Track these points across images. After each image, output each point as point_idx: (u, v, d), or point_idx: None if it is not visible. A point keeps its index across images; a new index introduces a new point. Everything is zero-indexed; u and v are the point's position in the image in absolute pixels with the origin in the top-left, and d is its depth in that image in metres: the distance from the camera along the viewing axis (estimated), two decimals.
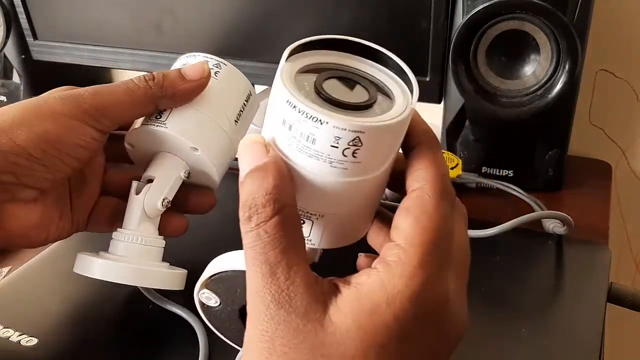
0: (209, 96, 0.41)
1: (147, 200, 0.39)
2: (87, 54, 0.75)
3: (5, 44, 0.83)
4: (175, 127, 0.39)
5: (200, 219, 0.45)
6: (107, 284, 0.44)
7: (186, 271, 0.41)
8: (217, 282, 0.32)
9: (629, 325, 0.83)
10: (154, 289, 0.43)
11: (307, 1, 0.59)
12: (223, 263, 0.32)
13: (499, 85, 0.56)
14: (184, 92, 0.39)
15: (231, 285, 0.32)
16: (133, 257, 0.39)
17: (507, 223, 0.47)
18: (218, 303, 0.33)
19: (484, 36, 0.54)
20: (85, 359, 0.40)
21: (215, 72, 0.42)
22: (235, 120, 0.42)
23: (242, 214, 0.24)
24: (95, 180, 0.43)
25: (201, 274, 0.33)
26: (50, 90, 0.40)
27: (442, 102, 0.60)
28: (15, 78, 0.88)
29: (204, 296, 0.34)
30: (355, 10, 0.57)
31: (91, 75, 0.96)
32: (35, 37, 0.78)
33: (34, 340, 0.40)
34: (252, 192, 0.24)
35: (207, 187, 0.43)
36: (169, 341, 0.40)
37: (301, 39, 0.29)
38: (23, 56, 0.85)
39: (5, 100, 0.90)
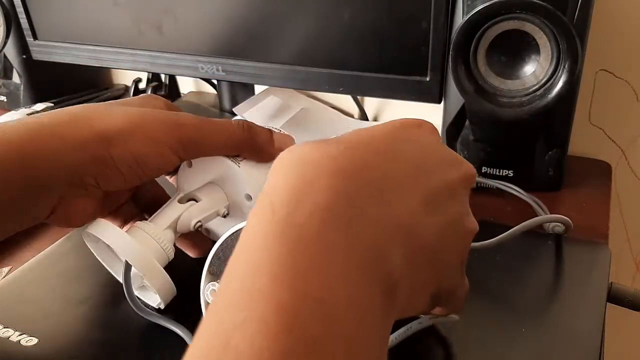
0: None
1: (186, 214, 0.41)
2: (87, 54, 0.75)
3: (5, 44, 0.83)
4: (246, 170, 0.42)
5: None
6: (109, 283, 0.44)
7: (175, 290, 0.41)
8: (220, 259, 0.33)
9: (629, 325, 0.83)
10: (144, 304, 0.43)
11: (307, 1, 0.59)
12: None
13: (499, 85, 0.56)
14: (268, 156, 0.42)
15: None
16: (145, 247, 0.39)
17: (509, 231, 0.47)
18: None
19: (484, 36, 0.54)
20: (85, 359, 0.40)
21: None
22: None
23: None
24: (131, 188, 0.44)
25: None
26: (135, 100, 0.42)
27: (442, 102, 0.60)
28: (15, 78, 0.88)
29: (212, 289, 0.33)
30: (355, 10, 0.57)
31: (91, 75, 0.96)
32: (35, 37, 0.78)
33: (34, 340, 0.40)
34: None
35: None
36: (169, 341, 0.40)
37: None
38: (23, 56, 0.85)
39: (5, 100, 0.90)
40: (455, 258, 0.30)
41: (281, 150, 0.41)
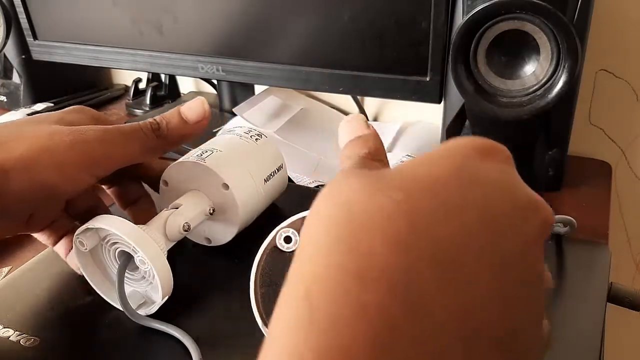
0: (247, 152, 0.46)
1: (172, 218, 0.41)
2: (87, 54, 0.75)
3: (5, 44, 0.84)
4: (212, 164, 0.43)
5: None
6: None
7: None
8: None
9: (629, 325, 0.83)
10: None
11: (307, 1, 0.59)
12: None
13: (499, 85, 0.56)
14: (189, 137, 0.41)
15: None
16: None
17: None
18: (297, 245, 0.33)
19: (484, 36, 0.54)
20: (85, 359, 0.40)
21: (256, 139, 0.48)
22: (265, 180, 0.47)
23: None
24: (62, 199, 0.41)
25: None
26: (54, 116, 0.39)
27: (442, 102, 0.60)
28: (15, 78, 0.88)
29: (283, 237, 0.33)
30: (356, 10, 0.57)
31: (91, 75, 0.96)
32: (35, 37, 0.78)
33: (34, 340, 0.40)
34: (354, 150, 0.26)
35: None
36: (169, 340, 0.40)
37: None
38: (23, 56, 0.85)
39: (5, 100, 0.91)
40: (530, 326, 0.22)
41: (198, 120, 0.41)
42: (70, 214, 0.44)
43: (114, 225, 0.37)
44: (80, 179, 0.37)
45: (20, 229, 0.39)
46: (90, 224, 0.38)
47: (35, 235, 0.43)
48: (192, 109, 0.41)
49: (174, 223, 0.41)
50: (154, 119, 0.41)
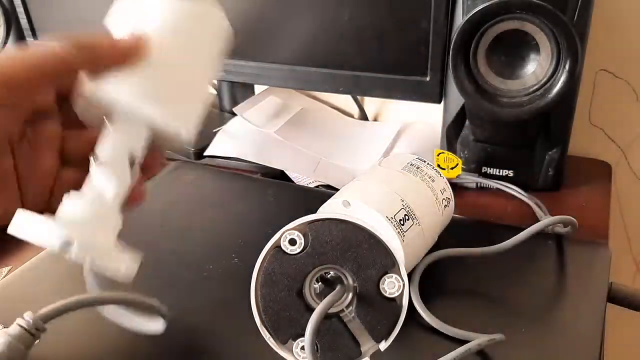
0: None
1: (99, 188, 0.35)
2: None
3: (5, 44, 0.83)
4: (123, 90, 0.35)
5: (206, 221, 0.44)
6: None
7: (141, 257, 0.35)
8: (314, 228, 0.32)
9: (629, 325, 0.83)
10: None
11: (308, 1, 0.59)
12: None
13: (499, 85, 0.56)
14: (111, 60, 0.35)
15: (321, 236, 0.32)
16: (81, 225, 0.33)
17: (517, 236, 0.47)
18: (301, 248, 0.33)
19: (484, 36, 0.54)
20: (85, 359, 0.40)
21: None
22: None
23: None
24: (49, 152, 0.37)
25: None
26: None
27: (442, 102, 0.60)
28: None
29: (288, 239, 0.33)
30: (356, 10, 0.57)
31: None
32: (35, 37, 0.78)
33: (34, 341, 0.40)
34: None
35: (158, 149, 0.39)
36: (169, 339, 0.40)
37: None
38: None
39: None
40: None
41: (128, 47, 0.35)
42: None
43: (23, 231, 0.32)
44: None
45: (12, 196, 0.35)
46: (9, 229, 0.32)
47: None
48: (125, 39, 0.36)
49: (103, 193, 0.35)
50: (72, 34, 0.36)
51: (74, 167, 0.38)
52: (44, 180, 0.38)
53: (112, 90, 0.35)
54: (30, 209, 0.35)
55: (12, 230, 0.32)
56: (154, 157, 0.39)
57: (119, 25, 0.39)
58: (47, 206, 0.38)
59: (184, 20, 0.40)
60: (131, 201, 0.38)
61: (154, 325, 0.37)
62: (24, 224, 0.32)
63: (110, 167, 0.35)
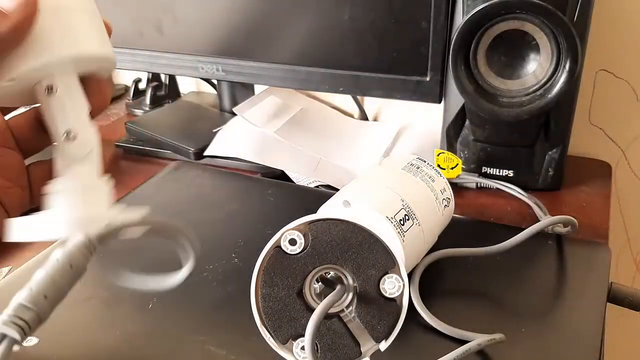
0: None
1: (55, 148, 0.33)
2: None
3: None
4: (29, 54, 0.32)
5: (204, 217, 0.44)
6: (109, 284, 0.44)
7: (146, 209, 0.34)
8: (314, 229, 0.32)
9: (629, 325, 0.83)
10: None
11: (308, 1, 0.59)
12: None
13: (499, 85, 0.56)
14: (10, 31, 0.31)
15: (322, 236, 0.32)
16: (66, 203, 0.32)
17: (517, 236, 0.47)
18: (301, 248, 0.33)
19: (484, 36, 0.54)
20: (85, 359, 0.40)
21: None
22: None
23: None
24: (5, 150, 0.36)
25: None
26: None
27: (442, 102, 0.60)
28: None
29: (288, 239, 0.32)
30: (356, 10, 0.57)
31: None
32: None
33: (34, 340, 0.40)
34: None
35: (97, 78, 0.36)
36: (169, 339, 0.40)
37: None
38: None
39: None
40: None
41: (16, 18, 0.30)
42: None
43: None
44: None
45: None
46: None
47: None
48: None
49: (56, 145, 0.33)
50: None
51: (39, 162, 0.37)
52: (17, 181, 0.36)
53: (18, 64, 0.32)
54: (16, 214, 0.35)
55: (11, 238, 0.32)
56: (99, 86, 0.36)
57: None
58: (31, 204, 0.37)
59: None
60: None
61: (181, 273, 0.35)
62: (21, 228, 0.32)
63: (74, 135, 0.33)
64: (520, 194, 0.58)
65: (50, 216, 0.32)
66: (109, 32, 0.39)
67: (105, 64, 0.36)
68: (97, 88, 0.36)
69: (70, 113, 0.33)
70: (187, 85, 0.96)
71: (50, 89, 0.33)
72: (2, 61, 0.32)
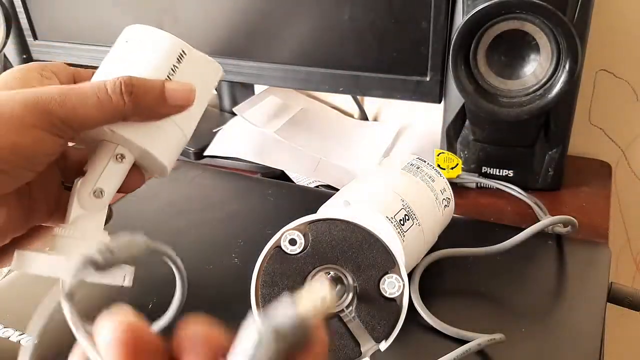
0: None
1: (79, 192, 0.37)
2: (87, 54, 0.75)
3: (5, 44, 0.83)
4: (132, 133, 0.37)
5: (199, 218, 0.44)
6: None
7: (133, 268, 0.37)
8: (315, 229, 0.33)
9: (629, 325, 0.83)
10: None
11: (308, 1, 0.59)
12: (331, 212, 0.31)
13: (499, 85, 0.56)
14: (159, 117, 0.38)
15: (322, 236, 0.33)
16: (67, 252, 0.36)
17: (517, 236, 0.47)
18: (301, 248, 0.33)
19: (484, 36, 0.54)
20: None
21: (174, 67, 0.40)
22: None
23: None
24: (54, 168, 0.40)
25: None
26: (15, 74, 0.38)
27: (442, 102, 0.60)
28: None
29: (288, 239, 0.33)
30: (356, 10, 0.57)
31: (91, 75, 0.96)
32: (35, 37, 0.78)
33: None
34: None
35: (137, 169, 0.41)
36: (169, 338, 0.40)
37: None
38: (23, 56, 0.85)
39: None
40: None
41: (180, 105, 0.38)
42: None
43: (32, 266, 0.36)
44: (47, 140, 0.35)
45: (28, 213, 0.38)
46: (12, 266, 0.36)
47: (52, 223, 0.41)
48: (178, 91, 0.38)
49: (81, 195, 0.37)
50: (128, 78, 0.37)
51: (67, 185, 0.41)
52: (49, 198, 0.40)
53: (133, 136, 0.38)
54: (33, 224, 0.39)
55: (15, 267, 0.36)
56: (136, 176, 0.41)
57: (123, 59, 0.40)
58: (47, 219, 0.41)
59: (200, 69, 0.42)
60: (125, 188, 0.41)
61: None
62: (28, 261, 0.36)
63: (99, 194, 0.38)
64: (520, 194, 0.58)
65: (54, 258, 0.36)
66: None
67: (159, 172, 0.42)
68: (138, 177, 0.41)
69: (113, 179, 0.38)
70: None
71: (120, 157, 0.38)
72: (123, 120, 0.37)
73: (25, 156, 0.35)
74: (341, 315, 0.33)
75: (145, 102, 0.37)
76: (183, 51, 0.41)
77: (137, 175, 0.41)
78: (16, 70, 0.39)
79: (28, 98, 0.34)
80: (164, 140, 0.39)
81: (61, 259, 0.36)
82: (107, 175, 0.38)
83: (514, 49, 0.54)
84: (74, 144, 0.42)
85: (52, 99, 0.35)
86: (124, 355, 0.17)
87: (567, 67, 0.52)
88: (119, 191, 0.40)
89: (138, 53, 0.39)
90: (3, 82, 0.38)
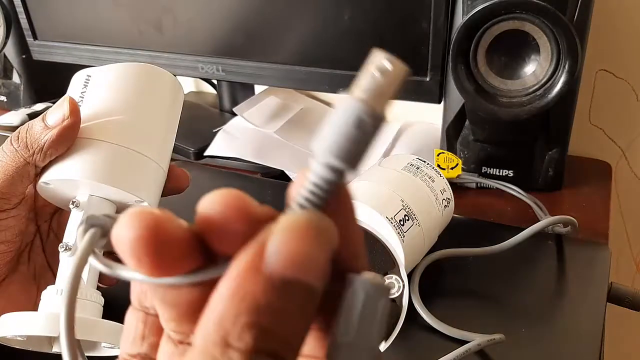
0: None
1: (59, 253, 0.37)
2: (87, 54, 0.75)
3: (5, 44, 0.83)
4: (61, 172, 0.36)
5: None
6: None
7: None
8: None
9: (629, 325, 0.83)
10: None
11: (307, 1, 0.59)
12: None
13: (499, 85, 0.56)
14: (53, 144, 0.36)
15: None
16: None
17: (517, 236, 0.47)
18: None
19: (484, 36, 0.54)
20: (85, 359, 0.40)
21: (82, 93, 0.38)
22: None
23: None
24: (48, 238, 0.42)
25: None
26: None
27: (442, 102, 0.60)
28: (15, 78, 0.88)
29: None
30: (355, 10, 0.57)
31: None
32: (35, 37, 0.78)
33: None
34: None
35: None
36: None
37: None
38: (23, 56, 0.85)
39: (5, 100, 0.90)
40: None
41: (57, 124, 0.35)
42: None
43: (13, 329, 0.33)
44: None
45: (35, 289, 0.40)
46: None
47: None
48: (52, 112, 0.37)
49: (60, 256, 0.36)
50: (14, 134, 0.37)
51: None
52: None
53: (58, 173, 0.36)
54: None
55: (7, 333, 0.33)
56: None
57: (75, 96, 0.39)
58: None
59: (133, 84, 0.39)
60: (173, 186, 0.41)
61: None
62: (10, 323, 0.33)
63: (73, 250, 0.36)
64: (520, 194, 0.58)
65: (40, 317, 0.33)
66: (183, 184, 0.42)
67: (130, 200, 0.38)
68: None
69: (73, 227, 0.36)
70: (187, 85, 0.96)
71: (74, 203, 0.36)
72: (47, 165, 0.37)
73: None
74: None
75: (31, 139, 0.36)
76: (88, 75, 0.39)
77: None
78: None
79: None
80: (97, 162, 0.36)
81: (41, 315, 0.33)
82: (69, 225, 0.37)
83: (514, 49, 0.54)
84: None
85: None
86: (145, 254, 0.15)
87: (567, 67, 0.52)
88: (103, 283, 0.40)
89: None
90: None
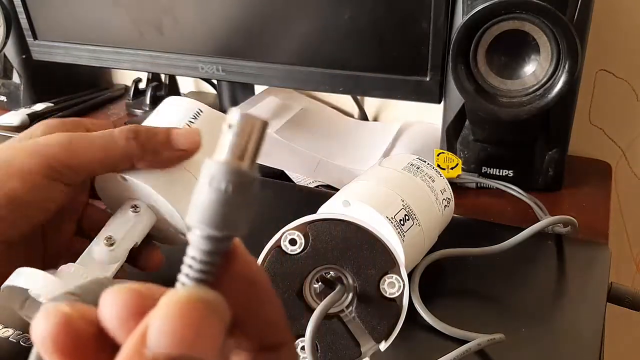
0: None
1: (95, 240, 0.38)
2: (87, 54, 0.75)
3: (5, 44, 0.83)
4: (133, 183, 0.37)
5: None
6: None
7: None
8: (315, 229, 0.33)
9: (629, 325, 0.83)
10: None
11: (307, 1, 0.59)
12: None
13: (499, 85, 0.56)
14: (166, 161, 0.37)
15: (322, 236, 0.33)
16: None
17: (517, 236, 0.47)
18: (301, 248, 0.33)
19: (484, 36, 0.54)
20: None
21: (189, 123, 0.40)
22: None
23: None
24: (72, 220, 0.41)
25: None
26: (28, 131, 0.38)
27: (442, 102, 0.60)
28: (15, 78, 0.88)
29: (288, 239, 0.33)
30: (355, 10, 0.57)
31: (91, 75, 0.96)
32: (35, 37, 0.78)
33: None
34: None
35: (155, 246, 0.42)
36: None
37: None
38: (23, 56, 0.85)
39: (5, 100, 0.90)
40: None
41: (186, 149, 0.37)
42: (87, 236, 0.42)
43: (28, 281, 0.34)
44: (47, 186, 0.35)
45: (38, 257, 0.39)
46: (8, 281, 0.34)
47: None
48: (182, 135, 0.38)
49: (96, 243, 0.37)
50: (135, 125, 0.38)
51: (83, 237, 0.41)
52: (63, 243, 0.41)
53: (145, 180, 0.37)
54: (41, 267, 0.38)
55: (11, 282, 0.34)
56: (152, 253, 0.41)
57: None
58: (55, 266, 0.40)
59: (215, 128, 0.42)
60: (144, 265, 0.41)
61: None
62: (24, 276, 0.34)
63: (113, 244, 0.37)
64: (520, 194, 0.58)
65: (54, 278, 0.34)
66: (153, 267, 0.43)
67: (172, 241, 0.42)
68: (154, 253, 0.41)
69: (124, 227, 0.38)
70: (187, 85, 0.96)
71: (133, 207, 0.39)
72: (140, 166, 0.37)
73: (24, 202, 0.34)
74: (341, 315, 0.33)
75: (150, 145, 0.37)
76: (200, 109, 0.42)
77: (153, 252, 0.41)
78: (43, 124, 0.39)
79: (33, 145, 0.35)
80: (176, 187, 0.38)
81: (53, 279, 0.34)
82: (119, 222, 0.38)
83: (514, 49, 0.54)
84: (91, 200, 0.43)
85: (57, 144, 0.35)
86: (57, 351, 0.16)
87: (567, 67, 0.52)
88: (138, 267, 0.41)
89: (159, 116, 0.41)
90: (29, 134, 0.38)
